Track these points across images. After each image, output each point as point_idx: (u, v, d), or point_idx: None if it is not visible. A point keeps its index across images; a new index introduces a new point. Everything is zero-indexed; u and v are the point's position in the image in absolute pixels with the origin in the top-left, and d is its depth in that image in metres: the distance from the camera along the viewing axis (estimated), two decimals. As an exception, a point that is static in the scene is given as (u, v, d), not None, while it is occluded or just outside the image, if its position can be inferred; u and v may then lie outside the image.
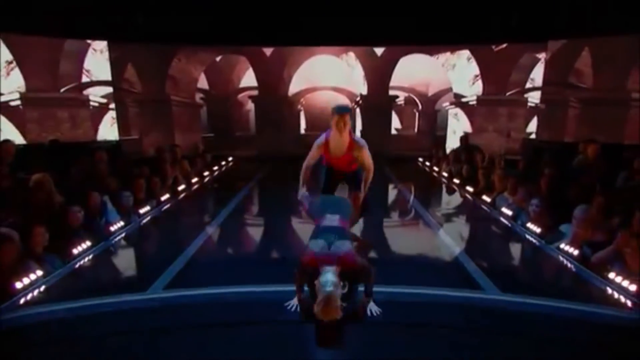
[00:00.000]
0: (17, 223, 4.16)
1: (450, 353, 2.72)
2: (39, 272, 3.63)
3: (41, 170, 5.42)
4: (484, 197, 6.76)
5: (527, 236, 5.03)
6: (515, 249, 5.10)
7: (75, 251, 4.21)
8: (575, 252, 4.20)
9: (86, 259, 4.25)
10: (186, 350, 2.72)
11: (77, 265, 4.10)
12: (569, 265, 4.15)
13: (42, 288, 3.54)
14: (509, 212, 5.78)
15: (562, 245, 4.42)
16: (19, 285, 3.37)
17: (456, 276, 3.96)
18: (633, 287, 3.36)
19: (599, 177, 6.42)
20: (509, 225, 5.58)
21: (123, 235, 5.05)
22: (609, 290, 3.51)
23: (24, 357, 2.78)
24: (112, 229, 4.97)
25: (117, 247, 4.77)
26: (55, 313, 3.16)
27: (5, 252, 3.52)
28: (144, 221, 5.70)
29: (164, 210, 6.32)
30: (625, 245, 3.74)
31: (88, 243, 4.43)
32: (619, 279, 3.53)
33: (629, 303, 3.29)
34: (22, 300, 3.29)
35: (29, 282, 3.47)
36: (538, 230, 4.97)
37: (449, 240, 5.06)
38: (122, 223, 5.18)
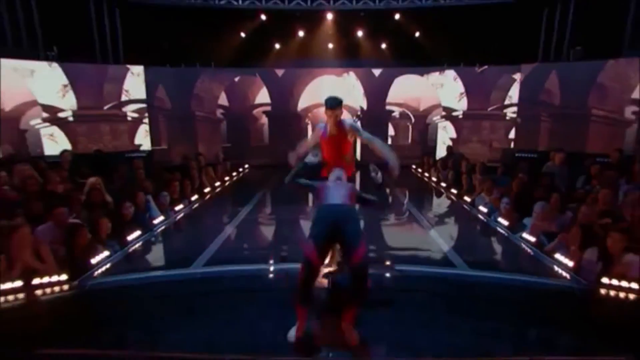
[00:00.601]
0: (79, 217, 4.79)
1: (430, 312, 3.31)
2: (106, 253, 4.27)
3: (91, 175, 6.08)
4: (466, 198, 7.32)
5: (498, 228, 5.61)
6: (487, 239, 5.67)
7: (129, 238, 4.85)
8: (533, 240, 4.78)
9: (138, 245, 4.89)
10: (218, 310, 3.31)
11: (131, 249, 4.74)
12: (527, 249, 4.73)
13: (108, 265, 4.17)
14: (485, 210, 6.34)
15: (524, 235, 5.00)
16: (93, 261, 4.01)
17: (438, 258, 4.62)
18: (570, 264, 3.95)
19: (564, 180, 7.00)
20: (484, 220, 6.14)
21: (163, 227, 5.68)
22: (555, 268, 4.09)
23: (99, 311, 3.41)
24: (155, 222, 5.60)
25: (160, 236, 5.39)
26: (120, 282, 3.81)
27: (80, 237, 4.15)
28: (179, 217, 6.32)
29: (193, 209, 6.93)
30: (571, 238, 4.29)
31: (138, 232, 5.07)
32: (563, 259, 4.11)
33: (567, 276, 3.88)
34: (95, 273, 3.93)
35: (99, 259, 4.11)
36: (506, 223, 5.54)
37: (434, 232, 5.67)
38: (162, 217, 5.82)
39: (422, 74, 11.47)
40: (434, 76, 11.40)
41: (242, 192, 8.68)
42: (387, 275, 3.93)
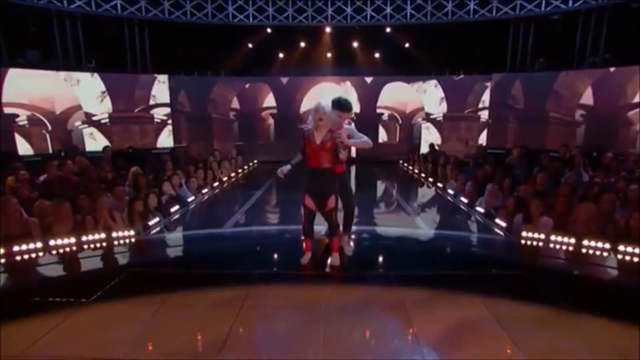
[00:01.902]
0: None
1: (402, 254, 4.42)
2: (156, 219, 5.40)
3: (127, 167, 7.23)
4: (439, 184, 8.47)
5: (460, 205, 6.76)
6: (450, 212, 6.87)
7: (171, 210, 5.99)
8: (483, 211, 5.92)
9: (177, 215, 6.03)
10: (244, 255, 4.39)
11: (172, 219, 5.88)
12: (479, 218, 5.88)
13: (158, 228, 5.30)
14: (452, 192, 7.50)
15: (477, 208, 6.15)
16: (150, 223, 5.15)
17: (411, 223, 5.82)
18: (504, 224, 5.10)
19: (522, 169, 8.12)
20: (451, 200, 7.29)
21: (193, 205, 6.81)
22: (496, 228, 5.24)
23: (155, 255, 4.53)
24: (188, 200, 6.74)
25: (193, 210, 6.54)
26: (169, 237, 4.95)
27: (137, 206, 5.29)
28: (205, 198, 7.46)
29: (214, 194, 8.07)
30: (507, 208, 5.44)
31: (177, 207, 6.20)
32: (501, 222, 5.25)
33: (502, 233, 5.04)
34: (151, 232, 5.07)
35: (152, 223, 5.24)
36: (467, 201, 6.69)
37: (412, 209, 6.85)
38: (192, 197, 6.95)
39: (408, 82, 12.59)
40: (418, 83, 12.52)
41: (253, 182, 9.78)
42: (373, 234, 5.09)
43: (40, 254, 4.08)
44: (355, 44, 12.40)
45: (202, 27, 11.35)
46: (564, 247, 4.40)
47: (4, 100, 8.68)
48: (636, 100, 8.96)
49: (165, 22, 10.93)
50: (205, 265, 3.86)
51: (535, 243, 4.58)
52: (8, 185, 5.70)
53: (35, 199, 5.15)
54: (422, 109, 12.63)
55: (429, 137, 12.56)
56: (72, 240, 4.29)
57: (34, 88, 9.24)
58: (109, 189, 5.68)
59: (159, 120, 11.35)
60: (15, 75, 8.85)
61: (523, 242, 4.66)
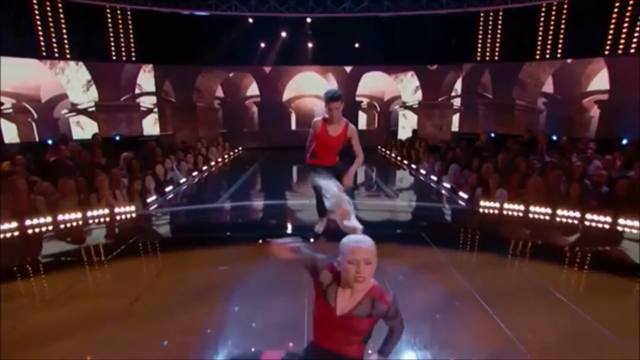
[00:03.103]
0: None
1: (379, 224, 5.04)
2: (154, 197, 5.86)
3: (114, 153, 7.61)
4: (413, 166, 9.17)
5: (430, 182, 7.47)
6: (421, 188, 7.59)
7: (166, 190, 6.45)
8: (449, 186, 6.64)
9: (170, 196, 6.49)
10: (237, 226, 4.97)
11: (168, 197, 6.34)
12: (445, 192, 6.59)
13: (155, 205, 5.77)
14: (424, 172, 8.21)
15: (444, 184, 6.86)
16: (148, 201, 5.61)
17: (384, 195, 6.50)
18: (466, 196, 5.81)
19: (489, 152, 8.87)
20: (422, 178, 8.01)
21: (185, 186, 7.28)
22: (459, 200, 5.95)
23: (154, 229, 5.03)
24: (181, 181, 7.20)
25: (185, 191, 7.01)
26: (168, 210, 5.43)
27: (135, 186, 5.73)
28: (195, 180, 7.91)
29: (204, 177, 8.52)
30: (469, 183, 6.15)
31: (170, 187, 6.65)
32: (463, 195, 5.96)
33: (464, 203, 5.75)
34: (150, 208, 5.54)
35: (149, 201, 5.70)
36: (435, 178, 7.41)
37: (389, 188, 7.51)
38: (184, 179, 7.40)
39: (387, 72, 13.17)
40: (396, 73, 13.13)
41: (240, 166, 10.24)
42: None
43: (58, 227, 4.52)
44: (335, 34, 12.78)
45: (187, 18, 11.55)
46: (514, 213, 5.15)
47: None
48: (590, 89, 9.86)
49: (149, 12, 11.08)
50: (201, 231, 4.40)
51: (490, 211, 5.32)
52: (4, 169, 6.01)
53: (34, 182, 5.52)
54: (399, 97, 13.26)
55: (406, 123, 13.24)
56: (79, 215, 4.75)
57: (18, 76, 9.36)
58: (105, 172, 6.08)
59: (145, 109, 11.57)
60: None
61: (481, 210, 5.40)
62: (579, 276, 3.28)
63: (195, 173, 8.05)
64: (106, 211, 4.99)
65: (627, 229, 4.48)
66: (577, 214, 4.85)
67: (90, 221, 4.81)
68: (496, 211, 5.26)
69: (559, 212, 4.94)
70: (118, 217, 4.98)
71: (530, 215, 5.06)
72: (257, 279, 3.19)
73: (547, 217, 4.92)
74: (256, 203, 6.27)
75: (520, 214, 5.14)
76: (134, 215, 5.10)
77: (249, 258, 3.52)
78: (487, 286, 3.02)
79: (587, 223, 4.72)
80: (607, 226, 4.58)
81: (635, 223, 4.49)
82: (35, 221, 4.57)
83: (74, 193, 5.10)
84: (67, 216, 4.74)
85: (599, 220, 4.69)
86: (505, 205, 5.30)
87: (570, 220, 4.78)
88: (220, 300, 2.81)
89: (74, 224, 4.69)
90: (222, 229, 4.63)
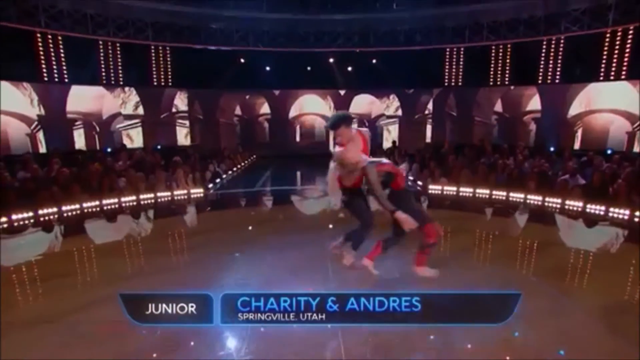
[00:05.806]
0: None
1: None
2: (210, 185, 8.49)
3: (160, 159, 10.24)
4: (392, 168, 11.85)
5: (402, 179, 10.15)
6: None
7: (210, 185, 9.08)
8: (412, 179, 9.33)
9: (218, 185, 9.12)
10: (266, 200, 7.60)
11: (217, 186, 8.98)
12: (409, 183, 9.27)
13: (211, 191, 8.40)
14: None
15: (410, 178, 9.54)
16: (209, 186, 8.25)
17: None
18: (420, 184, 8.52)
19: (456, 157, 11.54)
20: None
21: (226, 180, 9.92)
22: (418, 187, 8.63)
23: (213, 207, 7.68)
24: (223, 176, 9.85)
25: (229, 182, 9.68)
26: (224, 193, 8.09)
27: (179, 176, 8.35)
28: (232, 175, 10.57)
29: (234, 177, 11.15)
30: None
31: (218, 180, 9.29)
32: (420, 184, 8.65)
33: (419, 188, 8.45)
34: (210, 191, 8.18)
35: (210, 186, 8.32)
36: (411, 178, 10.09)
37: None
38: (224, 175, 10.04)
39: (375, 96, 15.97)
40: (380, 96, 15.94)
41: (258, 169, 12.86)
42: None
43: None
44: (331, 64, 15.51)
45: (214, 51, 14.28)
46: (450, 193, 7.86)
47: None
48: (528, 109, 12.73)
49: (183, 47, 13.81)
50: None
51: (435, 192, 8.02)
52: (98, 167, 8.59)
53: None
54: (384, 114, 16.06)
55: (389, 136, 15.99)
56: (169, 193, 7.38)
57: (88, 100, 12.05)
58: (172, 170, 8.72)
59: (179, 124, 14.23)
60: (74, 90, 11.64)
61: (430, 192, 8.10)
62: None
63: (225, 175, 10.70)
64: (184, 192, 7.62)
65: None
66: (487, 191, 7.59)
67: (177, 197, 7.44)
68: (439, 192, 7.98)
69: (479, 190, 7.69)
70: (193, 196, 7.61)
71: (462, 194, 7.78)
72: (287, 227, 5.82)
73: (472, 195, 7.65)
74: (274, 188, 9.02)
75: (453, 193, 7.85)
76: (201, 195, 7.74)
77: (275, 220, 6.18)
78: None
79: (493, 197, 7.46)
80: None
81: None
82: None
83: (162, 180, 7.72)
84: (162, 193, 7.36)
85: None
86: (445, 188, 8.02)
87: (482, 196, 7.52)
88: (263, 241, 5.44)
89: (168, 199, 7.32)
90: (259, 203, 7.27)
